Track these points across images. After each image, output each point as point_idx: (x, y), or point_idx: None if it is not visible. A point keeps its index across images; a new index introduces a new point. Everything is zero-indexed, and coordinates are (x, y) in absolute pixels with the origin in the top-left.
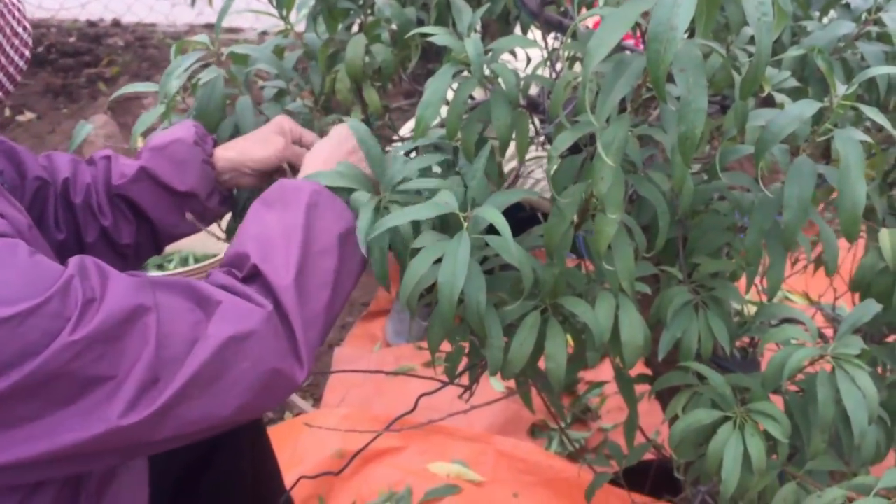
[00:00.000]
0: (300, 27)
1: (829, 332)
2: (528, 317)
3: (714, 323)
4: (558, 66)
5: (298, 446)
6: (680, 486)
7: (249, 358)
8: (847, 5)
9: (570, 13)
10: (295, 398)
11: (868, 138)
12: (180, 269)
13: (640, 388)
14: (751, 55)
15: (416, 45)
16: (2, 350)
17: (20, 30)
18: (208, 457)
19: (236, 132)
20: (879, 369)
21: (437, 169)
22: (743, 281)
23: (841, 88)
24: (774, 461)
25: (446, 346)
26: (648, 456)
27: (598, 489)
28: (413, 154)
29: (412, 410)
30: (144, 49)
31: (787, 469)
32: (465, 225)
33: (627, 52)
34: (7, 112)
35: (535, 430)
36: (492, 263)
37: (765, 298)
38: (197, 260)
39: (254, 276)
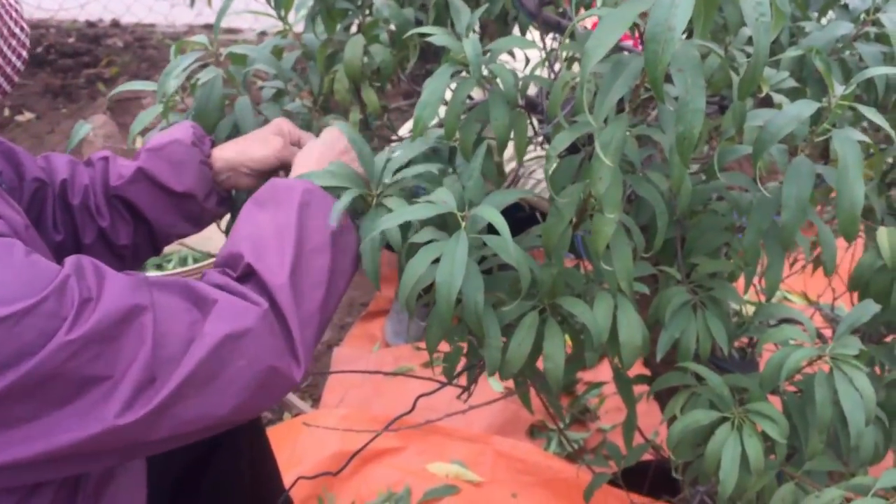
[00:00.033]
0: (299, 27)
1: (827, 332)
2: (526, 317)
3: (712, 323)
4: (556, 67)
5: (297, 447)
6: (678, 487)
7: (246, 356)
8: (845, 6)
9: (568, 14)
10: (294, 398)
11: (866, 138)
12: (179, 270)
13: (639, 389)
14: (749, 56)
15: (414, 45)
16: None
17: (17, 30)
18: (207, 457)
19: (234, 132)
20: (877, 369)
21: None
22: (741, 281)
23: (839, 89)
24: (772, 461)
25: (445, 347)
26: (647, 456)
27: (597, 489)
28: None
29: (411, 411)
30: (143, 49)
31: (785, 469)
32: (463, 225)
33: (625, 53)
34: (6, 112)
35: (534, 431)
36: (490, 263)
37: (763, 298)
38: (196, 260)
39: (248, 276)
